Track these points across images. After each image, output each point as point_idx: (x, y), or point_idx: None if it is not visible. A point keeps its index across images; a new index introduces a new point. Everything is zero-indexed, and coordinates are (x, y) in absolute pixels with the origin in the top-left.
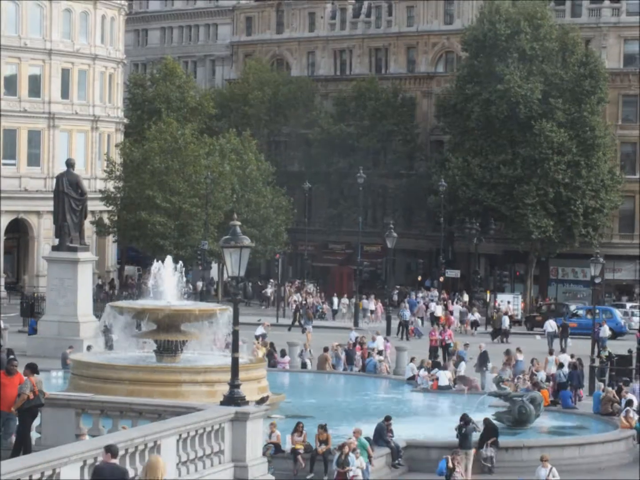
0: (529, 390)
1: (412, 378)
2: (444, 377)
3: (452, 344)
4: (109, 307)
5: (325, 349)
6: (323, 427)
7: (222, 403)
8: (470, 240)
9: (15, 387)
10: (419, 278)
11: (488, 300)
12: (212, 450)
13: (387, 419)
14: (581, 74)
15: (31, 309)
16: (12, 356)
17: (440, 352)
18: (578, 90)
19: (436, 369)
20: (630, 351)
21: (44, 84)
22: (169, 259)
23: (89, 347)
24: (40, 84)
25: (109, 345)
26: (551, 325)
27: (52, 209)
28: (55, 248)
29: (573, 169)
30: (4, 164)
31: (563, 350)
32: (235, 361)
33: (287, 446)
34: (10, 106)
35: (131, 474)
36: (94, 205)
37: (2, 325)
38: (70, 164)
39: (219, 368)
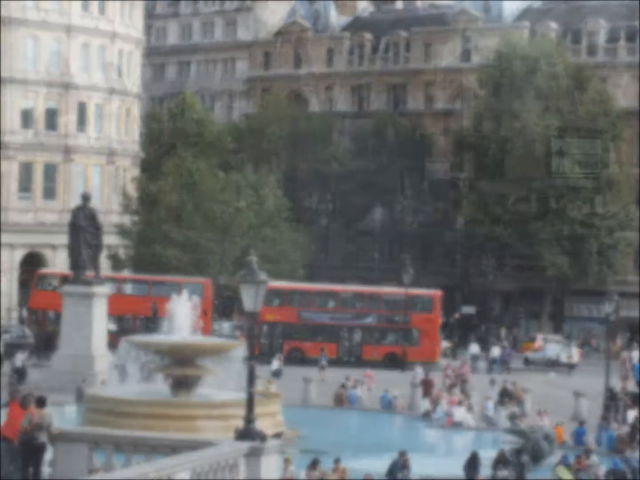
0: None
1: (427, 414)
2: (459, 413)
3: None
4: (124, 341)
5: (343, 385)
6: (338, 462)
7: (237, 438)
8: (486, 276)
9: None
10: None
11: (503, 337)
12: None
13: (402, 454)
14: (595, 111)
15: (47, 343)
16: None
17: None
18: (593, 127)
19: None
20: None
21: (61, 118)
22: (185, 292)
23: (102, 382)
24: (56, 118)
25: (123, 379)
26: None
27: (67, 242)
28: (70, 282)
29: (588, 207)
30: (20, 197)
31: None
32: (250, 395)
33: None
34: (27, 139)
35: None
36: (110, 239)
37: (19, 364)
38: (86, 197)
39: (234, 402)
